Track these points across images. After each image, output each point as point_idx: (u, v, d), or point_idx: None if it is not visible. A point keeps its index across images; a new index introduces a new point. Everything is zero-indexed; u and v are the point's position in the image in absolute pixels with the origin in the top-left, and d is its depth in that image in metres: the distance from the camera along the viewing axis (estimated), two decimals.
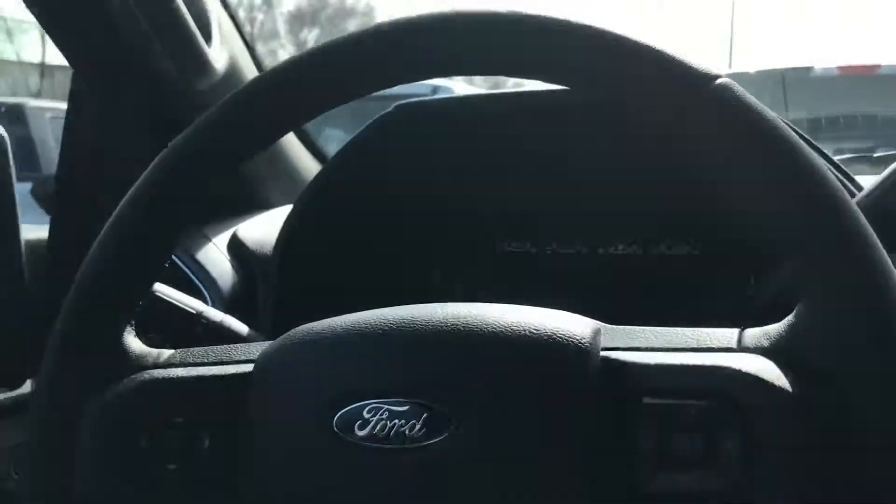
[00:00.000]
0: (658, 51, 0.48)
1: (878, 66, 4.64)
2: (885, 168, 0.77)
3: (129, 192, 0.56)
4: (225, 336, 0.67)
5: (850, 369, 0.43)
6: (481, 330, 0.48)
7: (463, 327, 0.49)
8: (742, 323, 0.50)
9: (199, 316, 0.67)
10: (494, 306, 0.51)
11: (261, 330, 0.76)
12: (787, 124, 0.47)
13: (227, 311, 0.74)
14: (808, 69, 3.32)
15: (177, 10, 0.81)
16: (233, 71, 0.91)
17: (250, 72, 0.99)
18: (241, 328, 0.69)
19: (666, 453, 0.45)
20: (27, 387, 0.98)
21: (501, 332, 0.48)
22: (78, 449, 0.54)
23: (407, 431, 0.47)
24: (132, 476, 0.53)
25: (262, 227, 0.92)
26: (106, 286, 0.56)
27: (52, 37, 0.85)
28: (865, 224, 0.44)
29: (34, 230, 1.01)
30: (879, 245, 0.44)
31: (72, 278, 0.98)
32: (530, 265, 0.91)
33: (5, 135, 0.91)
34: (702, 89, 0.46)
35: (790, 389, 0.44)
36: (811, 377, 0.44)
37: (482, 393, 0.47)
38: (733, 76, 0.49)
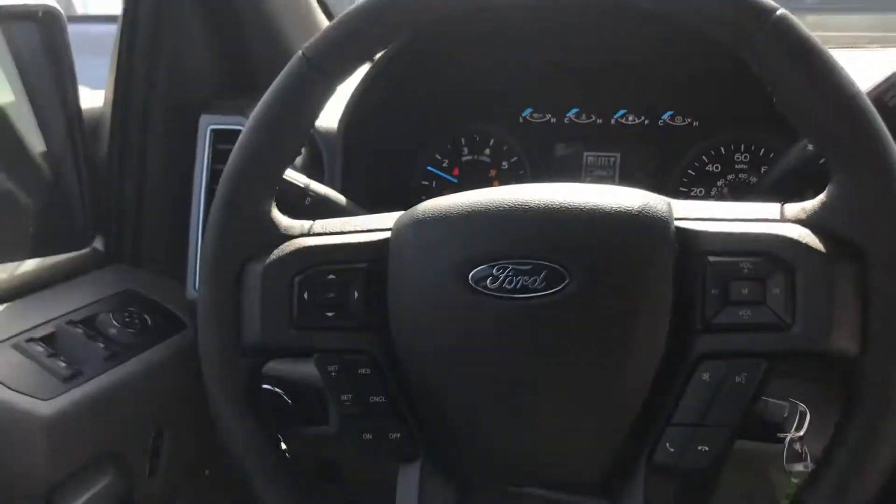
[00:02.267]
0: None
1: None
2: None
3: (281, 74, 0.65)
4: (328, 206, 0.78)
5: (866, 235, 0.58)
6: (583, 207, 0.61)
7: (568, 205, 0.61)
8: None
9: (306, 189, 0.77)
10: (588, 187, 0.63)
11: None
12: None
13: None
14: None
15: None
16: None
17: None
18: (341, 199, 0.80)
19: (728, 296, 0.60)
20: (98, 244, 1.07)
21: (600, 208, 0.61)
22: (244, 305, 0.66)
23: (530, 285, 0.61)
24: (296, 322, 0.65)
25: None
26: (259, 169, 0.66)
27: None
28: (884, 128, 0.58)
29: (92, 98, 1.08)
30: (891, 142, 0.58)
31: (129, 144, 1.05)
32: (551, 132, 1.05)
33: (62, 11, 0.96)
34: (765, 20, 0.58)
35: (823, 251, 0.59)
36: (838, 242, 0.59)
37: (589, 255, 0.61)
38: None
